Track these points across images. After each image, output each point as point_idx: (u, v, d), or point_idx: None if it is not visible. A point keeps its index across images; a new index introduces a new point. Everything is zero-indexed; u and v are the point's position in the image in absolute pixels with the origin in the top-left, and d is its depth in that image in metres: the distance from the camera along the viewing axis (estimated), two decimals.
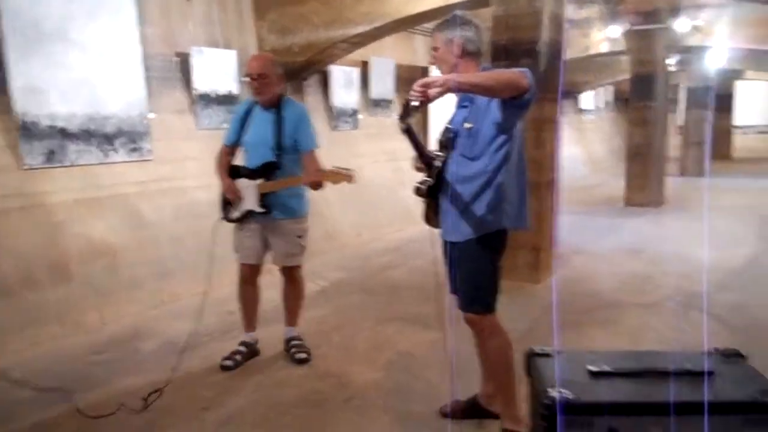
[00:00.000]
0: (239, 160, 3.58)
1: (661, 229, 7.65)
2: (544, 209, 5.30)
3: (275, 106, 3.45)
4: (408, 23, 6.68)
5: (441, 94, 2.17)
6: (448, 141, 2.62)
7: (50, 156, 4.40)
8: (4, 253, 4.05)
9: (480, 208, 2.54)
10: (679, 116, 17.15)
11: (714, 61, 11.90)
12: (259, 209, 3.42)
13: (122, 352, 3.85)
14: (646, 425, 1.36)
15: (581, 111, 16.21)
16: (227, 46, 5.98)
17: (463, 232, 2.58)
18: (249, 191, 3.42)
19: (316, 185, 3.33)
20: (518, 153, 2.58)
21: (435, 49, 2.63)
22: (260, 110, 3.48)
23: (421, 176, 2.70)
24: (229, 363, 3.53)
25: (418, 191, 2.66)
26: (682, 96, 16.15)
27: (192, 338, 3.66)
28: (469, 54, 2.57)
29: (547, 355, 1.62)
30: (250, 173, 3.44)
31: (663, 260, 6.00)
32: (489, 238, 2.58)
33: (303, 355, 3.61)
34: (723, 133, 16.91)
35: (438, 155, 2.64)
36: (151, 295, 4.75)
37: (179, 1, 5.60)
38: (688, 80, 13.72)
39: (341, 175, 3.26)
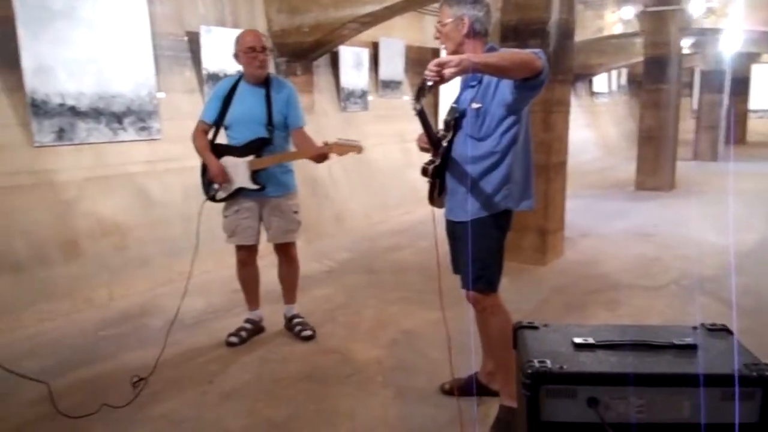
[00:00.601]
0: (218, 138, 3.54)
1: (671, 213, 7.60)
2: (551, 192, 5.29)
3: (264, 83, 3.43)
4: (418, 3, 6.63)
5: (456, 74, 2.13)
6: (455, 121, 2.62)
7: (60, 134, 4.45)
8: (16, 229, 4.12)
9: (486, 188, 2.55)
10: (694, 100, 16.93)
11: (729, 44, 11.71)
12: (252, 186, 3.39)
13: (130, 328, 3.92)
14: (627, 396, 1.38)
15: (594, 94, 16.04)
16: (236, 26, 5.97)
17: (469, 211, 2.59)
18: (238, 169, 3.37)
19: (322, 158, 3.33)
20: (525, 134, 2.58)
21: (442, 24, 2.59)
22: (248, 87, 3.43)
23: (427, 157, 2.70)
24: (234, 339, 3.58)
25: (425, 171, 2.66)
26: (696, 79, 15.91)
27: (197, 315, 3.72)
28: (476, 34, 2.56)
29: (534, 327, 1.64)
30: (238, 151, 3.39)
31: (672, 244, 5.98)
32: (494, 217, 2.59)
33: (309, 332, 3.65)
34: (738, 117, 16.68)
35: (444, 135, 2.65)
36: (160, 273, 4.81)
37: None
38: (702, 63, 13.51)
39: (348, 146, 3.27)
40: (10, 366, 2.98)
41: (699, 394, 1.33)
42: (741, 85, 16.79)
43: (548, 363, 1.43)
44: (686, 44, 11.25)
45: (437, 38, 2.67)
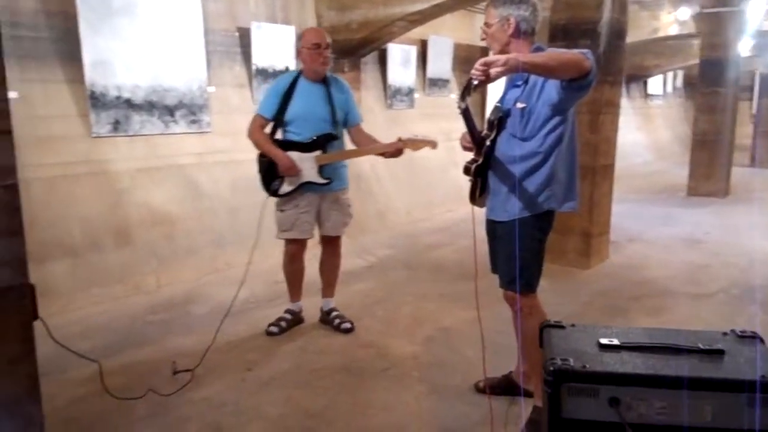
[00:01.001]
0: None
1: (724, 220, 7.36)
2: (597, 194, 5.21)
3: (323, 80, 3.51)
4: (467, 1, 6.61)
5: (502, 73, 2.13)
6: (499, 120, 2.62)
7: (116, 125, 4.63)
8: (73, 216, 4.31)
9: (529, 188, 2.55)
10: (754, 104, 16.30)
11: None
12: (320, 180, 3.46)
13: (176, 314, 4.06)
14: (649, 397, 1.37)
15: (648, 95, 15.63)
16: (286, 22, 6.09)
17: (510, 211, 2.60)
18: (305, 164, 3.43)
19: (398, 153, 3.39)
20: (570, 134, 2.56)
21: (488, 25, 2.59)
22: (308, 84, 3.50)
23: (470, 155, 2.71)
24: (274, 329, 3.67)
25: (467, 170, 2.67)
26: (756, 83, 15.31)
27: (239, 304, 3.81)
28: (523, 33, 2.54)
29: (561, 327, 1.65)
30: (303, 146, 3.45)
31: (722, 251, 5.80)
32: (536, 218, 2.59)
33: (348, 325, 3.71)
34: None
35: (488, 135, 2.65)
36: (206, 263, 4.96)
37: None
38: (763, 67, 13.00)
39: (423, 142, 3.35)
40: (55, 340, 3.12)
41: (722, 399, 1.31)
42: None
43: (571, 361, 1.44)
44: (746, 47, 10.85)
45: (483, 39, 2.67)
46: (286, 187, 3.47)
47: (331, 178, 3.48)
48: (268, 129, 3.52)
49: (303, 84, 3.50)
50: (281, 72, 5.89)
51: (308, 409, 2.81)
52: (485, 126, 2.68)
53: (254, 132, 3.50)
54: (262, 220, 3.45)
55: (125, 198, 4.64)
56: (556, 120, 2.49)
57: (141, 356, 3.38)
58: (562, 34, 5.08)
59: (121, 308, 4.13)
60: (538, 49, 2.54)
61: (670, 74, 16.36)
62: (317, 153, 3.45)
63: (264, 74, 5.77)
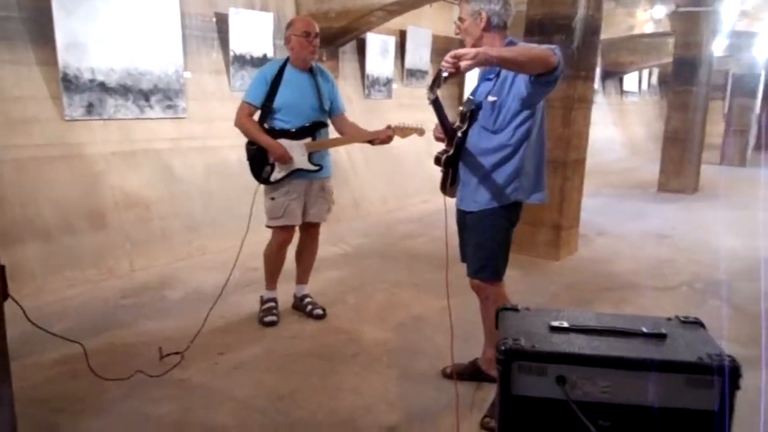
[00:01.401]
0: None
1: (691, 216, 7.56)
2: (568, 188, 5.32)
3: (309, 69, 3.54)
4: None
5: (471, 66, 2.19)
6: (471, 113, 2.69)
7: (90, 109, 4.60)
8: (46, 199, 4.29)
9: (497, 180, 2.63)
10: (726, 103, 16.65)
11: (763, 48, 11.50)
12: (311, 167, 3.51)
13: (150, 298, 4.07)
14: (593, 376, 1.46)
15: (624, 92, 15.86)
16: (264, 9, 6.07)
17: (479, 201, 2.68)
18: (295, 151, 3.46)
19: (388, 140, 3.43)
20: (539, 128, 2.64)
21: (461, 20, 2.66)
22: (296, 72, 3.51)
23: (442, 146, 2.78)
24: (273, 318, 3.66)
25: (437, 160, 2.75)
26: (729, 83, 15.64)
27: (213, 290, 3.84)
28: (494, 27, 2.61)
29: (515, 310, 1.74)
30: (292, 134, 3.47)
31: (688, 247, 5.96)
32: (504, 209, 2.67)
33: (320, 311, 3.77)
34: None
35: (459, 126, 2.71)
36: (180, 247, 4.97)
37: None
38: (736, 67, 13.29)
39: (410, 129, 3.41)
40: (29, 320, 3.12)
41: (662, 379, 1.40)
42: None
43: (522, 341, 1.52)
44: (720, 47, 11.07)
45: (457, 34, 2.73)
46: (276, 174, 3.49)
47: (321, 165, 3.54)
48: (255, 117, 3.52)
49: (290, 72, 3.50)
50: (259, 59, 5.89)
51: (279, 392, 2.86)
52: (458, 118, 2.75)
53: (243, 120, 3.48)
54: (254, 206, 3.47)
55: (99, 181, 4.62)
56: (525, 114, 2.56)
57: (115, 339, 3.39)
58: (538, 28, 5.16)
59: (95, 291, 4.14)
60: (511, 43, 2.61)
61: (645, 72, 16.61)
62: (307, 140, 3.48)
63: (241, 61, 5.77)
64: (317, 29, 3.50)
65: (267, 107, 3.47)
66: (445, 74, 2.25)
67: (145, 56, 4.91)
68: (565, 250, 5.43)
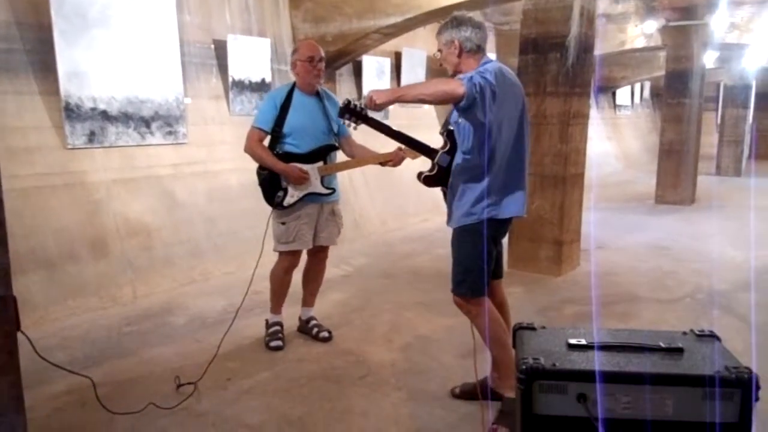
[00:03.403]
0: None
1: (690, 227, 7.59)
2: (568, 203, 5.35)
3: (316, 93, 3.56)
4: (440, 15, 6.72)
5: (380, 106, 2.56)
6: (448, 134, 2.82)
7: (91, 137, 4.63)
8: (49, 227, 4.29)
9: (469, 198, 2.73)
10: (718, 114, 16.80)
11: (753, 59, 11.64)
12: (325, 191, 3.52)
13: (153, 325, 4.06)
14: (614, 393, 1.47)
15: (617, 106, 16.01)
16: (261, 34, 6.14)
17: (455, 219, 2.80)
18: (308, 175, 3.45)
19: (400, 161, 3.42)
20: (505, 146, 2.68)
21: (439, 51, 2.84)
22: (303, 96, 3.51)
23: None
24: (279, 343, 3.64)
25: (418, 176, 2.91)
26: (721, 94, 15.81)
27: (217, 314, 3.84)
28: (468, 52, 2.75)
29: (532, 329, 1.75)
30: (304, 157, 3.46)
31: (689, 258, 5.99)
32: (479, 225, 2.72)
33: (326, 334, 3.75)
34: (763, 133, 16.51)
35: (442, 148, 2.85)
36: (183, 273, 4.96)
37: None
38: (727, 78, 13.44)
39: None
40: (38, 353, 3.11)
41: (682, 394, 1.41)
42: (765, 101, 16.63)
43: (542, 360, 1.53)
44: (711, 59, 11.21)
45: (441, 65, 2.88)
46: (289, 199, 3.47)
47: (333, 188, 3.57)
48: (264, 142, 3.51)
49: (299, 96, 3.51)
50: (257, 84, 5.94)
51: (288, 417, 2.85)
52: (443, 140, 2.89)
53: (254, 146, 3.46)
54: (268, 230, 3.49)
55: (101, 209, 4.63)
56: (479, 135, 2.63)
57: (120, 368, 3.38)
58: (532, 47, 5.24)
59: (98, 320, 4.12)
60: (487, 63, 2.71)
61: (637, 85, 16.78)
62: (319, 164, 3.49)
63: (240, 86, 5.82)
64: (322, 53, 3.53)
65: (276, 132, 3.47)
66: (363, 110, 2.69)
67: (146, 84, 4.96)
68: (567, 265, 5.44)
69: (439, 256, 5.79)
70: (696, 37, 9.20)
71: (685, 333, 1.71)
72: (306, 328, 3.84)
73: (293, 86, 3.55)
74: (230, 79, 5.74)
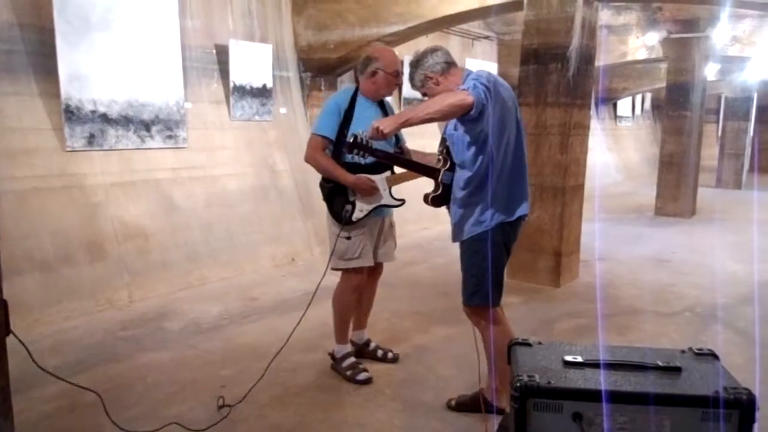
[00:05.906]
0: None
1: (690, 240, 7.57)
2: (567, 214, 5.32)
3: (380, 100, 3.34)
4: (442, 24, 6.75)
5: (386, 135, 2.53)
6: (446, 150, 2.80)
7: (91, 140, 4.61)
8: (46, 229, 4.27)
9: (475, 209, 2.72)
10: (720, 127, 16.80)
11: (754, 72, 11.65)
12: (396, 202, 3.27)
13: (148, 330, 4.03)
14: (610, 412, 1.44)
15: (618, 117, 16.01)
16: (263, 40, 6.14)
17: (464, 231, 2.77)
18: (377, 186, 3.20)
19: None
20: (503, 154, 2.68)
21: (424, 95, 2.84)
22: (368, 103, 3.24)
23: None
24: (367, 374, 3.31)
25: (425, 199, 2.89)
26: (722, 106, 15.81)
27: (212, 320, 3.81)
28: (443, 72, 2.76)
29: (527, 344, 1.73)
30: (369, 168, 3.18)
31: (689, 271, 5.96)
32: (490, 232, 2.70)
33: (392, 354, 3.58)
34: (764, 145, 16.52)
35: (440, 166, 2.83)
36: (179, 278, 4.94)
37: None
38: (728, 90, 13.45)
39: None
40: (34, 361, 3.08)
41: (679, 414, 1.39)
42: (766, 114, 16.65)
43: (537, 378, 1.51)
44: (712, 71, 11.21)
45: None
46: (358, 213, 3.18)
47: (404, 198, 3.28)
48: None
49: (363, 102, 3.23)
50: (259, 89, 5.94)
51: (282, 427, 2.82)
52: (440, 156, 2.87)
53: (317, 156, 3.15)
54: (333, 246, 3.25)
55: (99, 212, 4.61)
56: (476, 146, 2.64)
57: (114, 373, 3.35)
58: (533, 57, 5.23)
59: (93, 323, 4.10)
60: (470, 73, 2.72)
61: (638, 97, 16.78)
62: (386, 174, 3.24)
63: (241, 91, 5.81)
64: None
65: (339, 140, 3.15)
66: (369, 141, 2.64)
67: (147, 87, 4.95)
68: (567, 276, 5.41)
69: (437, 266, 5.77)
70: (697, 50, 9.20)
71: (683, 351, 1.69)
72: (367, 352, 3.59)
73: (356, 91, 3.27)
74: (231, 85, 5.74)
